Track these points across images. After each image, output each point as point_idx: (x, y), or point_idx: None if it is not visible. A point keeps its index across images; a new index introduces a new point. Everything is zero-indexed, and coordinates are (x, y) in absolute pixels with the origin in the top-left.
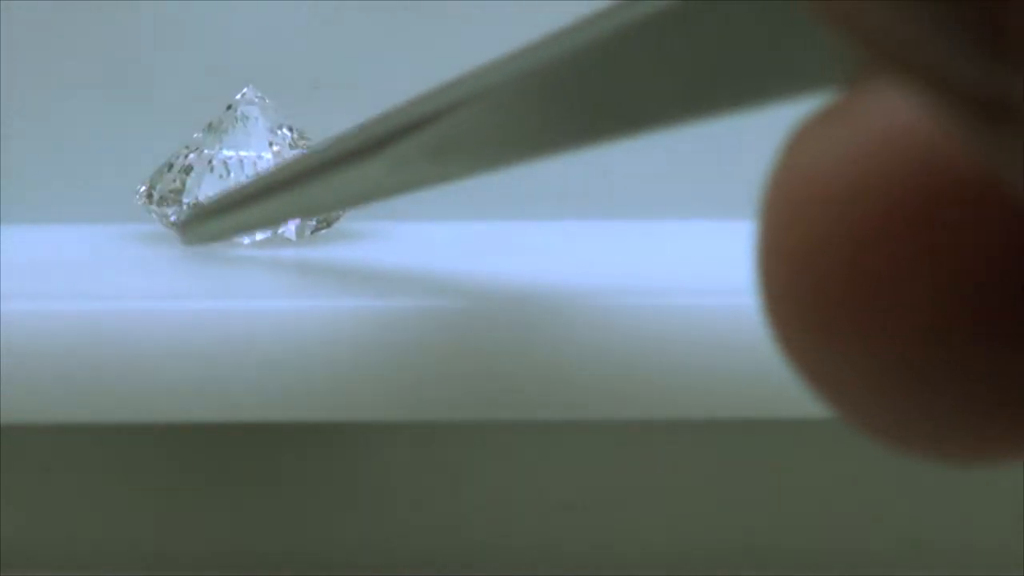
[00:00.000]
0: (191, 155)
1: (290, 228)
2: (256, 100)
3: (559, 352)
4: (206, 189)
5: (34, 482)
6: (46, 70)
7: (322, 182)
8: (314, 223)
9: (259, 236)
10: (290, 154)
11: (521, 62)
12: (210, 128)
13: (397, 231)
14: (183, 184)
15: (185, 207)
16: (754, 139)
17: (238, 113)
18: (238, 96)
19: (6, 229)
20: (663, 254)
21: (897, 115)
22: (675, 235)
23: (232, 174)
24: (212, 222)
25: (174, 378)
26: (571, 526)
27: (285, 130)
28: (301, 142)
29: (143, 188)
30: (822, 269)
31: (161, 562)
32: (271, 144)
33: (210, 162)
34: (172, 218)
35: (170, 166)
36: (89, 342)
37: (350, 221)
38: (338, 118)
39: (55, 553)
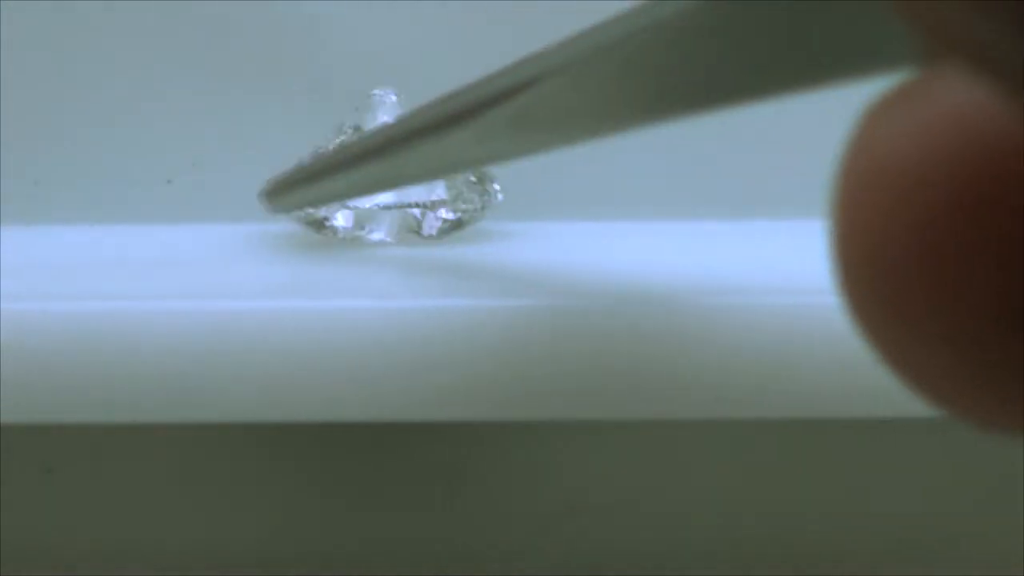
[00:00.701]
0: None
1: (426, 227)
2: (387, 100)
3: (689, 351)
4: None
5: (180, 482)
6: (183, 71)
7: (406, 152)
8: (454, 216)
9: (391, 236)
10: None
11: (604, 34)
12: (341, 129)
13: (531, 231)
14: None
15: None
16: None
17: (368, 114)
18: (369, 96)
19: (142, 228)
20: (775, 253)
21: (967, 97)
22: (777, 234)
23: None
24: (296, 190)
25: (303, 377)
26: (701, 525)
27: None
28: None
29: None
30: (894, 249)
31: (290, 561)
32: None
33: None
34: (297, 212)
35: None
36: (221, 340)
37: (485, 221)
38: None
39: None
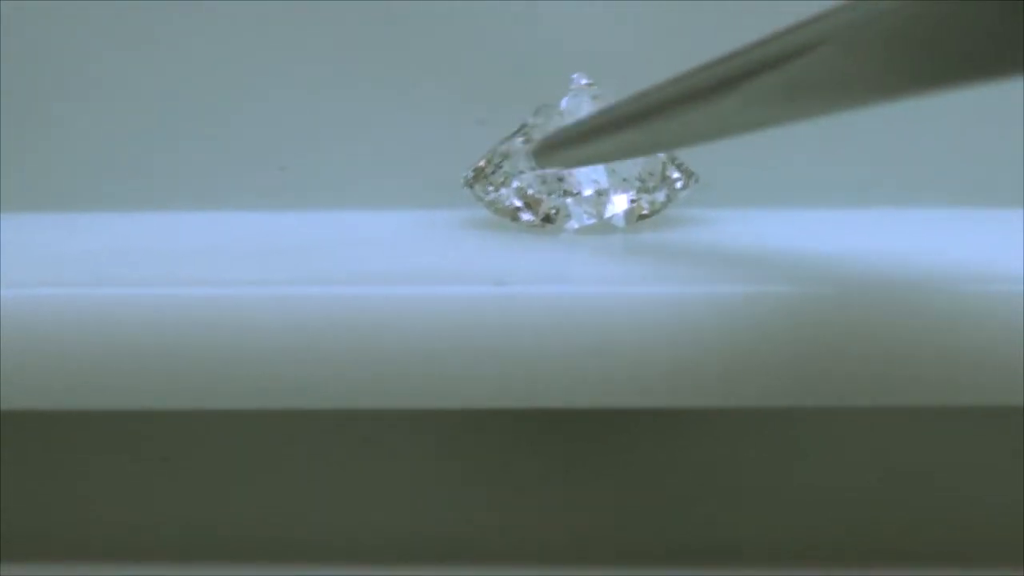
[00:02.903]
0: (518, 140)
1: (619, 215)
2: (585, 87)
3: (888, 336)
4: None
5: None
6: (367, 65)
7: (672, 116)
8: (650, 203)
9: (585, 222)
10: None
11: (876, 5)
12: (539, 112)
13: (722, 218)
14: (501, 167)
15: (503, 193)
16: None
17: (567, 100)
18: (569, 82)
19: (345, 214)
20: (984, 240)
21: None
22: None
23: None
24: (562, 150)
25: (505, 363)
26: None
27: None
28: None
29: (471, 173)
30: None
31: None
32: None
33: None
34: (497, 199)
35: (496, 151)
36: (422, 326)
37: (676, 208)
38: None
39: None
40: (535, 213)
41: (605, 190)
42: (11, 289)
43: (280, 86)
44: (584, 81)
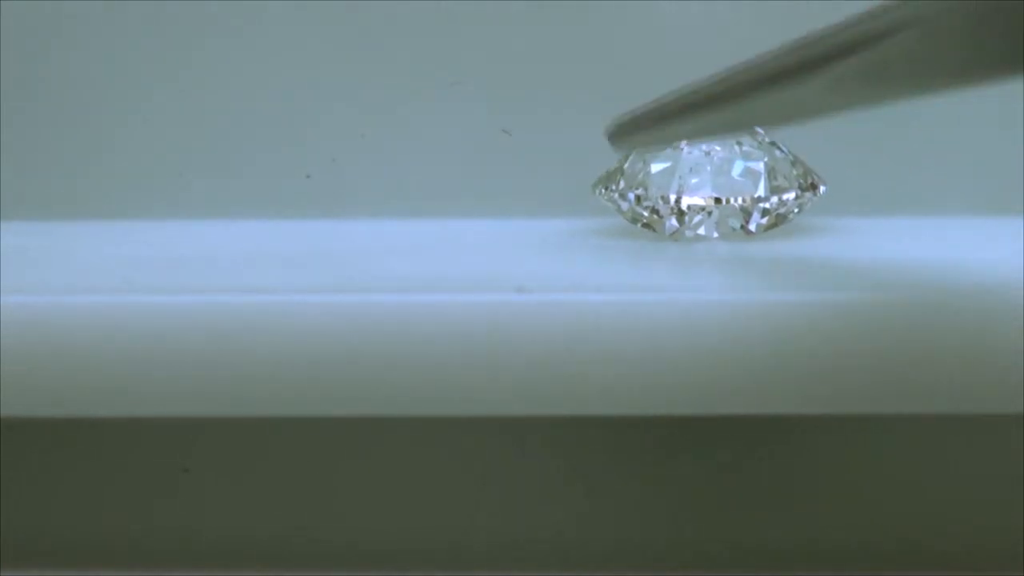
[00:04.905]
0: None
1: (753, 222)
2: None
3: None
4: (657, 178)
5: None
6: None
7: (755, 97)
8: (777, 212)
9: (715, 233)
10: (752, 146)
11: None
12: None
13: (849, 226)
14: (636, 172)
15: (632, 197)
16: None
17: None
18: None
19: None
20: None
21: None
22: None
23: (686, 165)
24: (641, 130)
25: (627, 370)
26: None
27: None
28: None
29: (603, 177)
30: None
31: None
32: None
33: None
34: (624, 206)
35: (627, 156)
36: (549, 333)
37: (804, 216)
38: None
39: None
40: (656, 219)
41: (734, 198)
42: (44, 296)
43: (305, 92)
44: None
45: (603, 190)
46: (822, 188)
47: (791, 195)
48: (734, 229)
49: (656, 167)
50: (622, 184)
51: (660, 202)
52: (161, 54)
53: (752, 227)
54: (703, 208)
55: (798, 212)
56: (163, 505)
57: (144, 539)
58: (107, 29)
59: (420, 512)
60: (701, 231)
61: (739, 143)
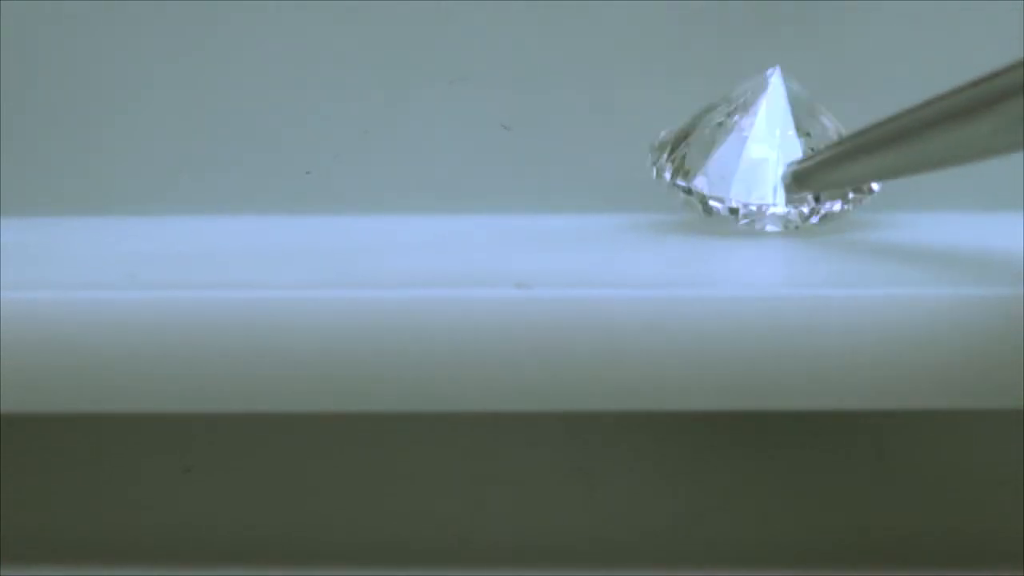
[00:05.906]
0: (705, 128)
1: (813, 216)
2: (781, 79)
3: None
4: (716, 161)
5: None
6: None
7: (925, 139)
8: (838, 207)
9: (774, 227)
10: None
11: None
12: (727, 100)
13: (899, 221)
14: (695, 155)
15: (695, 180)
16: None
17: (758, 91)
18: (765, 74)
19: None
20: None
21: None
22: None
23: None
24: (818, 174)
25: (681, 365)
26: None
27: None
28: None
29: (659, 160)
30: None
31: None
32: (798, 129)
33: (723, 129)
34: (681, 183)
35: (685, 136)
36: (591, 326)
37: (858, 212)
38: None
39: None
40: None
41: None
42: (44, 292)
43: (306, 90)
44: (777, 73)
45: (665, 173)
46: (876, 187)
47: (849, 195)
48: (796, 227)
49: (717, 157)
50: (687, 166)
51: (725, 198)
52: (162, 50)
53: (813, 220)
54: (764, 206)
55: (854, 208)
56: (164, 503)
57: (145, 538)
58: (107, 25)
59: (423, 509)
60: (765, 225)
61: (807, 133)
